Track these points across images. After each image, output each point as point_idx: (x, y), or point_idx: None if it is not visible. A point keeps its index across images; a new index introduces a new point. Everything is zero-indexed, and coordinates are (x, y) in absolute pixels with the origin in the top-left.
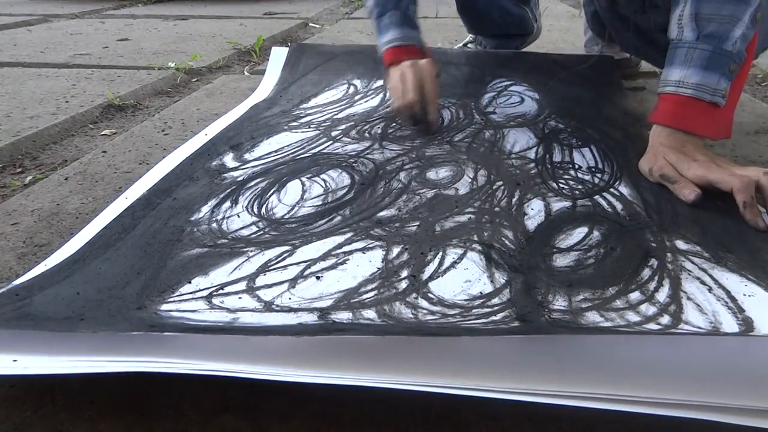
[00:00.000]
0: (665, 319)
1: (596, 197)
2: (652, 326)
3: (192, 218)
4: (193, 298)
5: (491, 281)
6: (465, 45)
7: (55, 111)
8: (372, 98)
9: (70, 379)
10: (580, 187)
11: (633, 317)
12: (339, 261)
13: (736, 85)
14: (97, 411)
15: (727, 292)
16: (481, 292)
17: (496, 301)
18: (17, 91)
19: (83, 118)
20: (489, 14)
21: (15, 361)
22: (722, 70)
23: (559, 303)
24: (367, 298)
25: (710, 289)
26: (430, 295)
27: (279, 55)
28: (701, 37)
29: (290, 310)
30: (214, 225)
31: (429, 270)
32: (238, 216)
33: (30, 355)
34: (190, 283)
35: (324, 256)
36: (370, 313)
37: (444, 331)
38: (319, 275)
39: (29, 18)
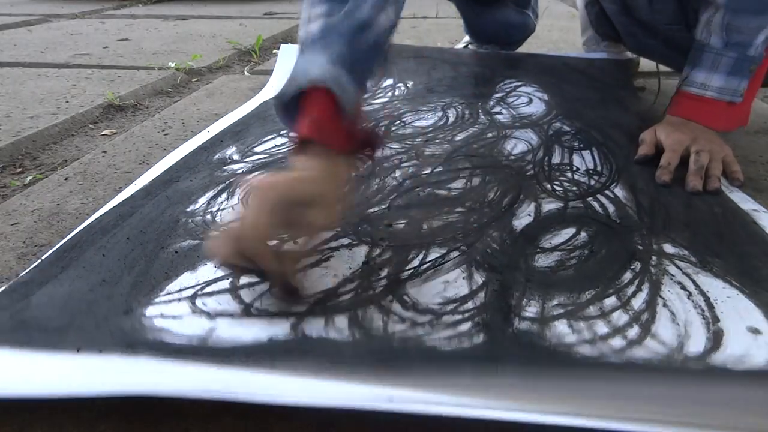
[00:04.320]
0: (633, 331)
1: (589, 199)
2: (617, 341)
3: (188, 209)
4: (178, 299)
5: (469, 282)
6: (465, 46)
7: (55, 111)
8: (380, 96)
9: None
10: (574, 188)
11: (602, 328)
12: (323, 257)
13: (754, 81)
14: (97, 412)
15: (706, 299)
16: (456, 295)
17: (469, 305)
18: (17, 91)
19: (83, 118)
20: (495, 33)
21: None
22: (744, 73)
23: (531, 309)
24: (343, 300)
25: (689, 295)
26: (405, 297)
27: (288, 51)
28: (728, 45)
29: (267, 314)
30: (209, 216)
31: (409, 269)
32: (233, 208)
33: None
34: (177, 279)
35: (309, 252)
36: (341, 321)
37: (404, 354)
38: (302, 272)
39: (29, 18)
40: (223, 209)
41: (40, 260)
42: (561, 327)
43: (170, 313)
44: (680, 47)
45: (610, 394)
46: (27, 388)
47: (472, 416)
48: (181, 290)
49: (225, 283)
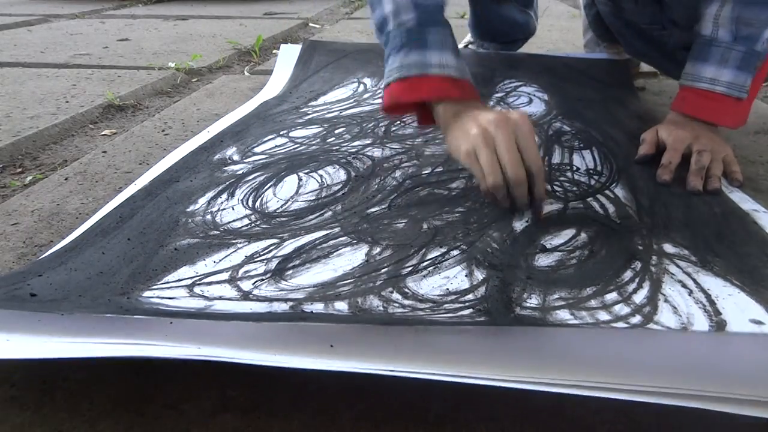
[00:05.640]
0: (636, 319)
1: (589, 199)
2: (620, 325)
3: (188, 209)
4: (176, 286)
5: (470, 278)
6: (466, 46)
7: (55, 111)
8: (380, 97)
9: (70, 378)
10: (574, 189)
11: (604, 316)
12: (323, 255)
13: (757, 78)
14: (97, 411)
15: (707, 296)
16: (457, 288)
17: (469, 297)
18: (17, 91)
19: (83, 118)
20: (500, 28)
21: (8, 341)
22: (750, 69)
23: (533, 301)
24: (342, 291)
25: (690, 293)
26: (405, 290)
27: (288, 52)
28: (738, 38)
29: (265, 299)
30: (209, 216)
31: (409, 266)
32: (233, 209)
33: (15, 333)
34: (176, 271)
35: (309, 250)
36: (341, 305)
37: (406, 321)
38: (302, 268)
39: (29, 18)
40: (223, 209)
41: (38, 259)
42: (562, 314)
43: (167, 295)
44: (662, 48)
45: (615, 357)
46: (18, 348)
47: (472, 383)
48: (179, 280)
49: (224, 275)
